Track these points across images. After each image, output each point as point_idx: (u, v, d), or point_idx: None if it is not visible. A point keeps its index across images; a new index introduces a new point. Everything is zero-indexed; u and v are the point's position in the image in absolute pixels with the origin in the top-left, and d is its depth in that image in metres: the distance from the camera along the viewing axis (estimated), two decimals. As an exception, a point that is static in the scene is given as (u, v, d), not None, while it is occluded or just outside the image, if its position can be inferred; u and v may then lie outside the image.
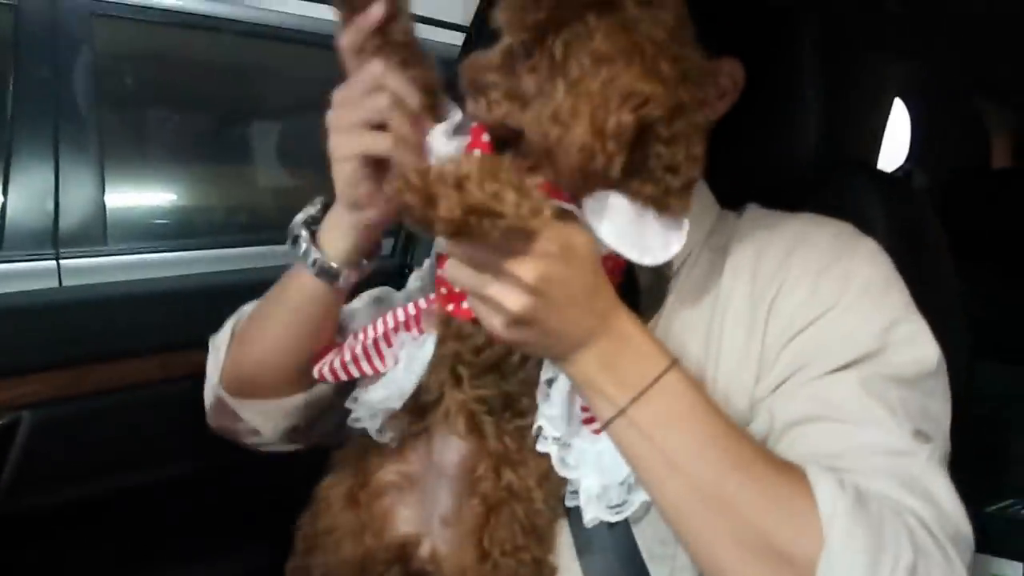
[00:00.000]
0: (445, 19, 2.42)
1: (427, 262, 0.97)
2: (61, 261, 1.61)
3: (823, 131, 0.90)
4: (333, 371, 0.75)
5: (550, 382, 0.67)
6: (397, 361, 0.73)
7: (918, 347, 0.65)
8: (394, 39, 0.67)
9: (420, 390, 0.72)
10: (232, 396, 0.84)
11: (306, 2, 2.26)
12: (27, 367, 1.01)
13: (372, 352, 0.74)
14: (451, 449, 0.73)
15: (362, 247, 0.75)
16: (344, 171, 0.69)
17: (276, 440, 0.86)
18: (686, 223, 0.64)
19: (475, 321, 0.63)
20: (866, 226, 0.75)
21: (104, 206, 1.70)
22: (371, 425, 0.75)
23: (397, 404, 0.72)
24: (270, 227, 2.06)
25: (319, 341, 0.79)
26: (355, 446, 0.79)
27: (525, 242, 0.53)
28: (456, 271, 0.57)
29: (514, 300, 0.54)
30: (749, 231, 0.75)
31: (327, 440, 0.86)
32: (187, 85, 2.02)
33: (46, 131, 1.62)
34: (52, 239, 1.61)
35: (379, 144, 0.67)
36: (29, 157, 1.60)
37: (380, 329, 0.74)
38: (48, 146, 1.62)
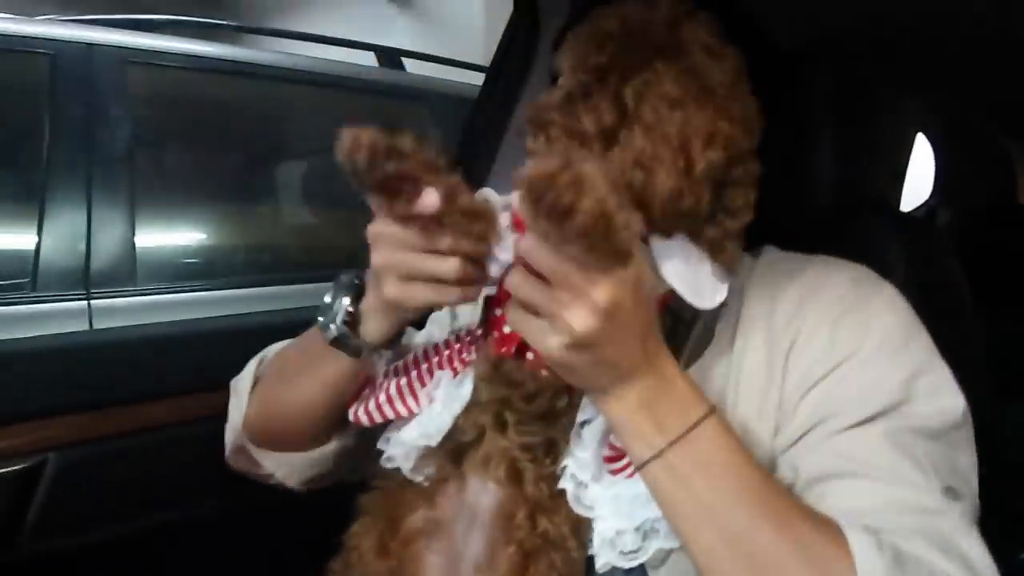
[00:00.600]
0: (466, 60, 2.47)
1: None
2: (92, 301, 1.64)
3: (840, 171, 0.89)
4: (368, 414, 0.75)
5: (584, 424, 0.67)
6: (432, 400, 0.73)
7: (942, 398, 0.64)
8: (459, 209, 0.60)
9: (454, 430, 0.72)
10: (254, 445, 0.84)
11: (330, 46, 2.33)
12: (53, 409, 1.03)
13: (407, 392, 0.74)
14: (487, 494, 0.73)
15: (400, 328, 0.75)
16: (381, 315, 0.71)
17: (297, 486, 0.86)
18: (731, 271, 0.66)
19: (528, 363, 0.64)
20: (885, 268, 0.74)
21: (134, 246, 1.73)
22: (405, 464, 0.75)
23: (433, 442, 0.72)
24: (296, 265, 2.10)
25: (347, 403, 0.79)
26: (381, 490, 0.79)
27: (611, 264, 0.53)
28: (524, 283, 0.56)
29: (582, 320, 0.54)
30: (765, 275, 0.75)
31: (348, 479, 0.86)
32: (216, 127, 2.07)
33: (80, 174, 1.66)
34: (83, 280, 1.64)
35: (447, 297, 0.63)
36: (63, 200, 1.63)
37: (413, 371, 0.75)
38: (81, 188, 1.65)
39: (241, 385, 0.87)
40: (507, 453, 0.70)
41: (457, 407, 0.71)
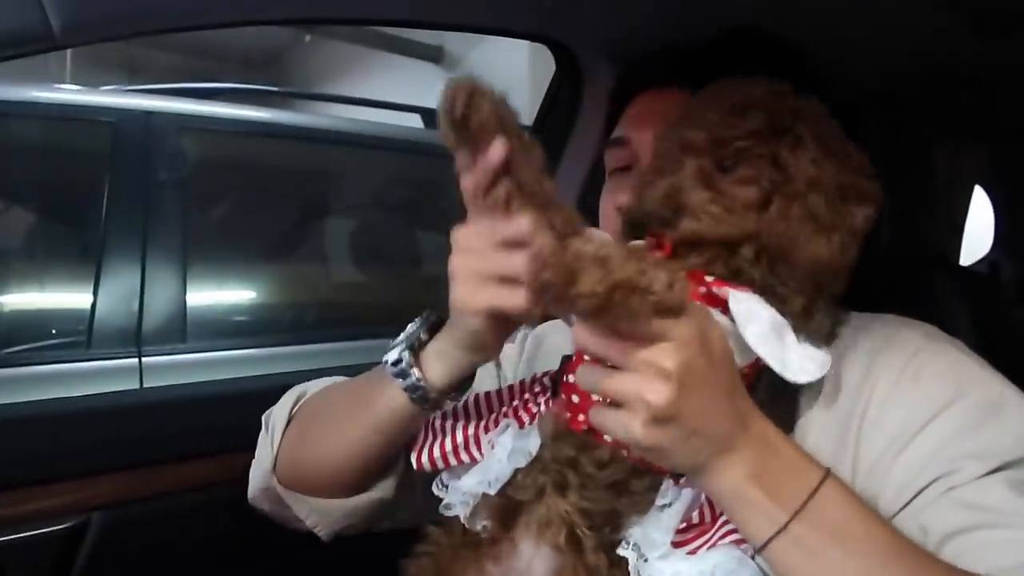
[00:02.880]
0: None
1: (520, 334, 0.94)
2: (143, 359, 1.67)
3: (896, 226, 0.87)
4: (433, 461, 0.73)
5: (664, 507, 0.63)
6: (493, 446, 0.70)
7: None
8: (526, 184, 0.59)
9: (510, 485, 0.69)
10: (286, 488, 0.80)
11: (378, 109, 2.40)
12: (98, 468, 1.03)
13: (472, 441, 0.72)
14: (541, 559, 0.69)
15: (467, 374, 0.71)
16: (468, 323, 0.64)
17: (327, 535, 0.82)
18: (824, 349, 0.63)
19: (605, 442, 0.62)
20: (949, 325, 0.71)
21: (185, 305, 1.77)
22: (463, 512, 0.71)
23: (492, 490, 0.69)
24: (345, 323, 2.12)
25: (396, 450, 0.76)
26: (431, 556, 0.75)
27: (664, 326, 0.51)
28: (589, 374, 0.55)
29: (656, 392, 0.51)
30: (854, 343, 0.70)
31: (378, 529, 0.83)
32: (266, 189, 2.13)
33: (135, 235, 1.71)
34: (135, 338, 1.67)
35: (512, 300, 0.59)
36: (119, 260, 1.68)
37: (479, 418, 0.73)
38: (136, 249, 1.71)
39: (275, 421, 0.82)
40: (568, 518, 0.66)
41: (522, 460, 0.68)
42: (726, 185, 0.64)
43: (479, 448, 0.71)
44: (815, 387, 0.67)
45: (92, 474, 1.03)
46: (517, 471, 0.68)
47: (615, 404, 0.54)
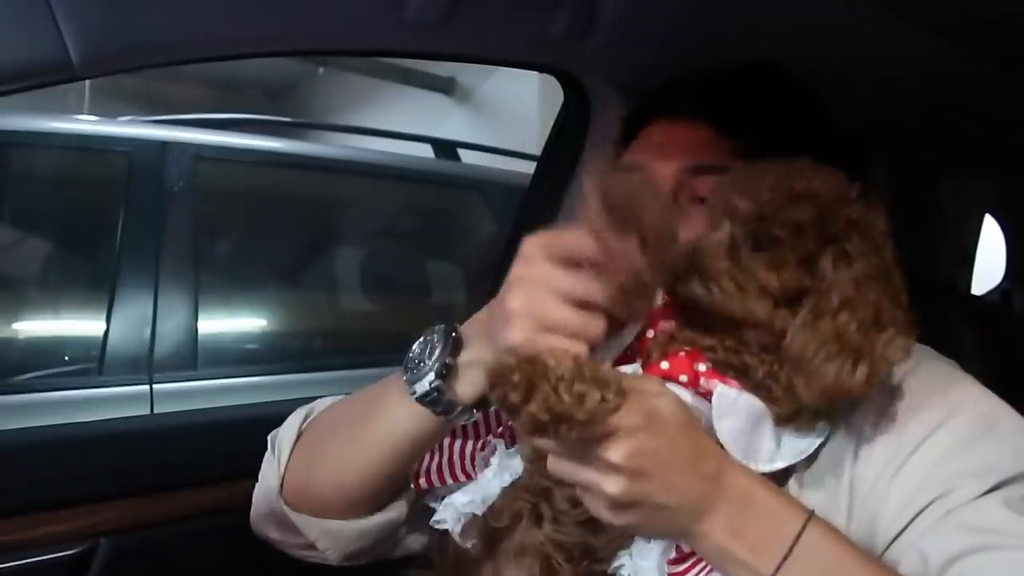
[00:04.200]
0: (522, 150, 2.53)
1: None
2: (154, 385, 1.68)
3: (903, 255, 0.86)
4: (430, 479, 0.73)
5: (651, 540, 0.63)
6: (487, 465, 0.70)
7: None
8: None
9: (491, 510, 0.68)
10: (293, 510, 0.77)
11: (388, 138, 2.42)
12: (106, 494, 1.03)
13: (468, 458, 0.72)
14: None
15: None
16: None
17: (338, 560, 0.79)
18: (809, 436, 0.62)
19: None
20: (959, 354, 0.71)
21: (196, 333, 1.78)
22: (455, 528, 0.70)
23: (479, 511, 0.68)
24: (355, 350, 2.12)
25: (411, 468, 0.75)
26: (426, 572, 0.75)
27: (609, 424, 0.52)
28: (553, 464, 0.56)
29: (611, 484, 0.53)
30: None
31: (388, 556, 0.81)
32: (279, 218, 2.15)
33: (148, 263, 1.73)
34: (147, 365, 1.68)
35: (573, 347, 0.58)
36: (131, 288, 1.70)
37: (476, 438, 0.73)
38: (150, 277, 1.72)
39: (282, 440, 0.79)
40: (541, 549, 0.66)
41: (508, 477, 0.68)
42: (750, 262, 0.61)
43: (474, 466, 0.71)
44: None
45: (99, 499, 1.03)
46: (498, 497, 0.68)
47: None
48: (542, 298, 0.57)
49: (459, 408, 0.67)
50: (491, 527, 0.69)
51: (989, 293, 1.81)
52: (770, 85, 0.79)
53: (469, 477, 0.71)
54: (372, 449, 0.72)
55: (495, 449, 0.71)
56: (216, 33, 0.74)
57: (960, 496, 0.58)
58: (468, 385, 0.67)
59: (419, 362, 0.68)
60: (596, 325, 0.57)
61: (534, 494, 0.66)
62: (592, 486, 0.54)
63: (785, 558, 0.54)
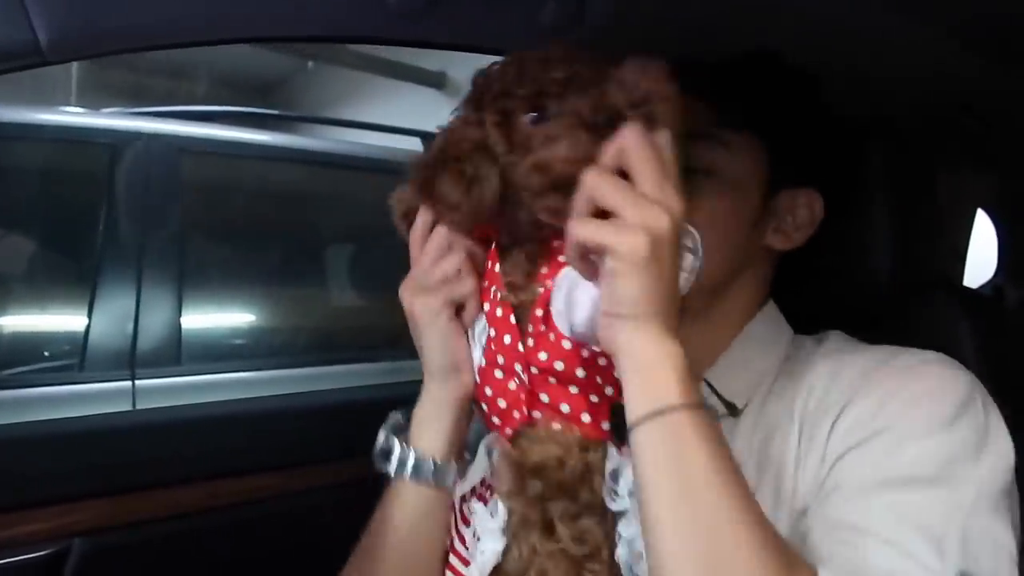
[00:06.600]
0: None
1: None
2: (136, 382, 1.65)
3: (899, 251, 0.86)
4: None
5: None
6: (478, 538, 0.67)
7: (970, 484, 0.58)
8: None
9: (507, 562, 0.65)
10: None
11: (377, 132, 2.40)
12: (81, 493, 1.01)
13: (457, 541, 0.70)
14: None
15: (460, 433, 0.70)
16: (432, 337, 0.67)
17: None
18: None
19: (539, 421, 0.62)
20: (953, 348, 0.69)
21: (180, 328, 1.75)
22: None
23: None
24: (342, 347, 2.10)
25: (441, 551, 0.72)
26: None
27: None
28: (602, 184, 0.54)
29: (658, 219, 0.51)
30: (825, 361, 0.71)
31: None
32: (265, 212, 2.12)
33: (131, 257, 1.70)
34: (129, 361, 1.66)
35: (462, 288, 0.66)
36: (113, 282, 1.68)
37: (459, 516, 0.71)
38: (132, 271, 1.70)
39: None
40: (563, 554, 0.61)
41: (498, 533, 0.64)
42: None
43: (463, 542, 0.69)
44: (805, 408, 0.68)
45: (74, 499, 1.00)
46: (505, 549, 0.64)
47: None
48: (415, 277, 0.68)
49: (439, 462, 0.69)
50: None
51: (982, 288, 1.80)
52: (771, 73, 0.78)
53: (465, 562, 0.69)
54: (396, 556, 0.71)
55: (474, 513, 0.68)
56: (190, 18, 0.71)
57: (867, 483, 0.59)
58: (429, 437, 0.70)
59: (387, 453, 0.70)
60: (455, 261, 0.66)
61: (536, 506, 0.62)
62: (642, 222, 0.51)
63: (695, 403, 0.53)
